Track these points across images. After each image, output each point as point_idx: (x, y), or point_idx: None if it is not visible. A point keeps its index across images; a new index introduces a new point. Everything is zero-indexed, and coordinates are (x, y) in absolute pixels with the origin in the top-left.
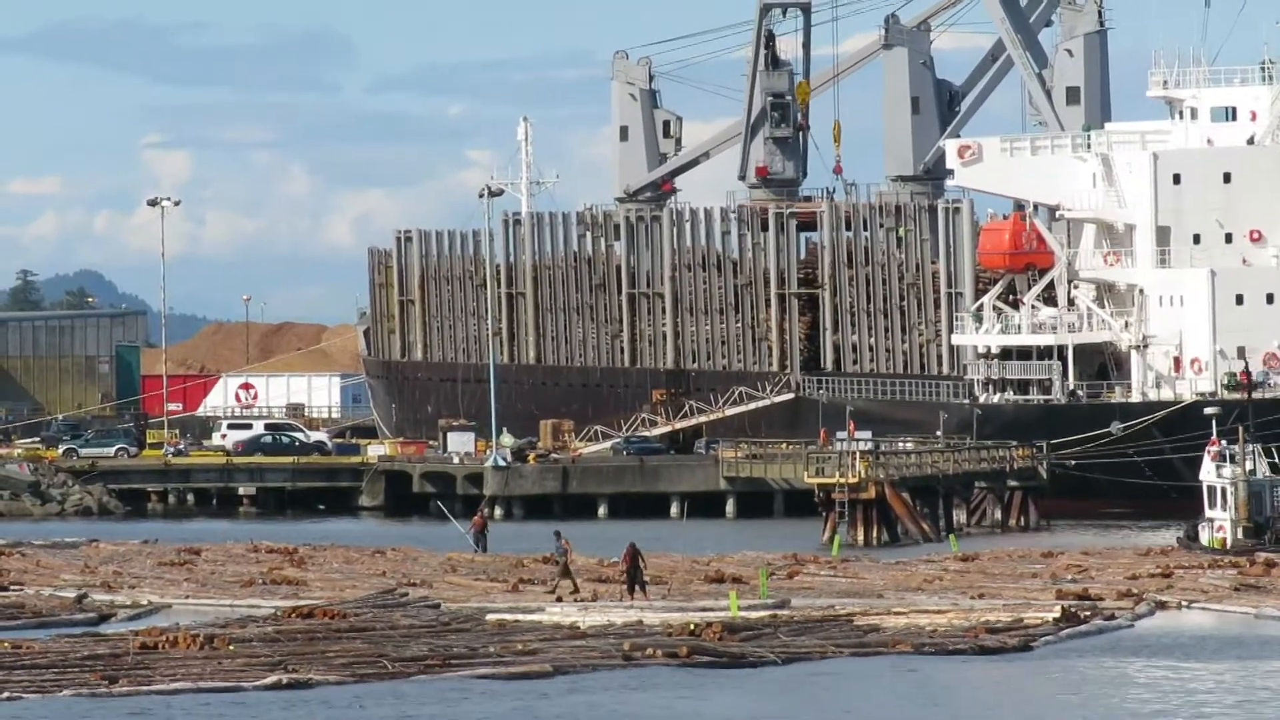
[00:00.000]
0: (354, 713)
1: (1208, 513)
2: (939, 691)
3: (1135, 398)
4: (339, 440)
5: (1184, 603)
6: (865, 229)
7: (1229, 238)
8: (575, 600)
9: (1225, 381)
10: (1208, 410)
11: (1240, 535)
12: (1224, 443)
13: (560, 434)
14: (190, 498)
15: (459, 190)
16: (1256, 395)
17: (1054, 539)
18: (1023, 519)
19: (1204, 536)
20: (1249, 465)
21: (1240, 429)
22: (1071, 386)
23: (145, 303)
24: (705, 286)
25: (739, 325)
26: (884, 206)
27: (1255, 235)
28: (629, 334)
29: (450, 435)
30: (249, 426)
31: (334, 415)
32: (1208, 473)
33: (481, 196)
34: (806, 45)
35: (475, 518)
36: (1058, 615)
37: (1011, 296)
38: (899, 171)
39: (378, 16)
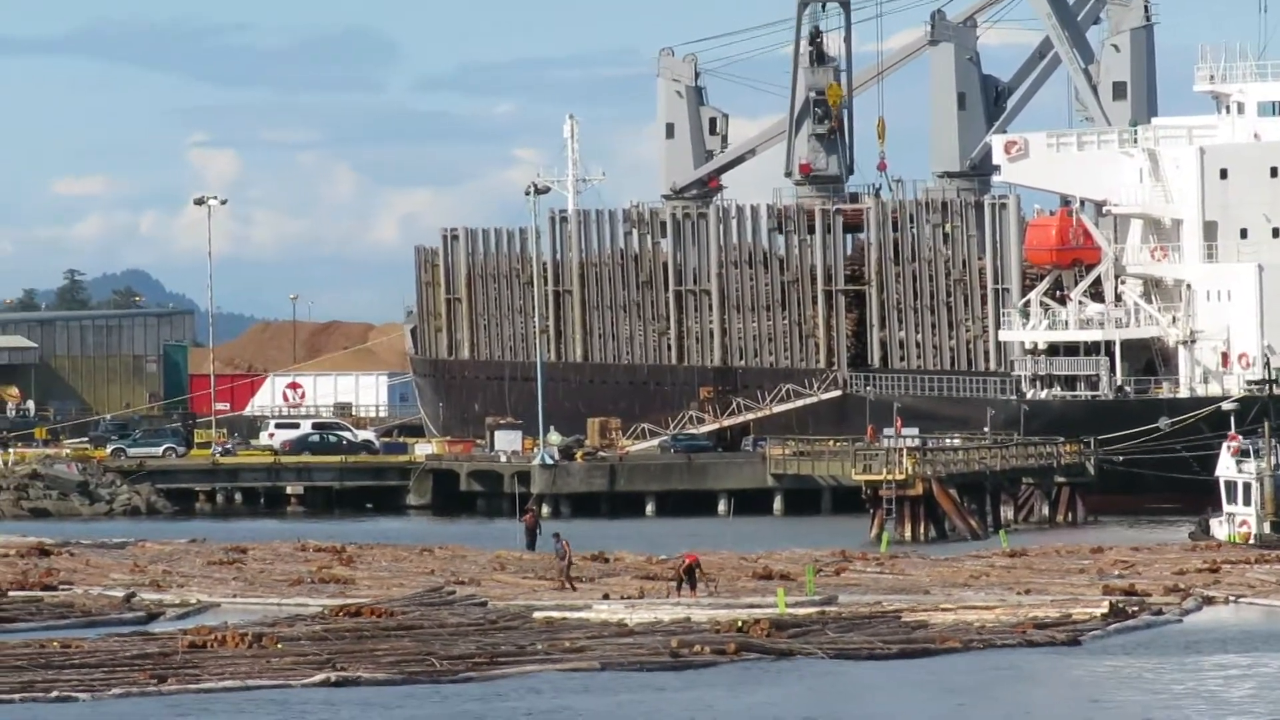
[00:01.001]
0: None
1: (1225, 508)
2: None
3: (1183, 393)
4: (386, 439)
5: (1231, 597)
6: (912, 225)
7: (1276, 232)
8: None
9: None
10: (1226, 406)
11: (1268, 530)
12: (1244, 438)
13: (607, 432)
14: (238, 497)
15: (505, 189)
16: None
17: (1102, 534)
18: (1070, 515)
19: (1222, 531)
20: (1272, 460)
21: (1265, 424)
22: (1119, 382)
23: (192, 302)
24: (752, 283)
25: (786, 322)
26: (930, 203)
27: None
28: (676, 331)
29: (497, 433)
30: (296, 426)
31: (381, 414)
32: (1226, 468)
33: (528, 194)
34: (848, 41)
35: (526, 516)
36: (1105, 611)
37: (1058, 292)
38: (945, 168)
39: (421, 16)
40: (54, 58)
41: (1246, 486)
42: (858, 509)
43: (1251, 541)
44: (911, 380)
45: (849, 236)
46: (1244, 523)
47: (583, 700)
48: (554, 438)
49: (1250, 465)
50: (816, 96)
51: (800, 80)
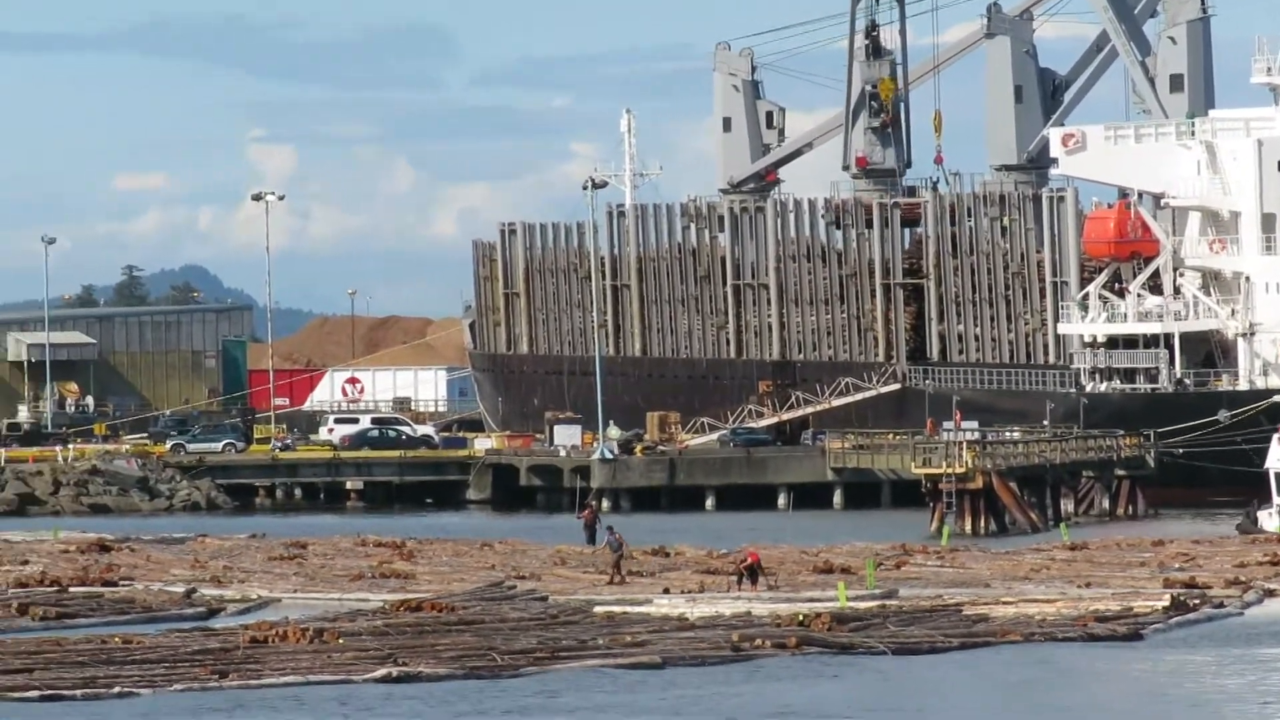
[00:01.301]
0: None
1: (1277, 500)
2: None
3: (1242, 385)
4: (445, 434)
5: None
6: (969, 219)
7: None
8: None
9: None
10: (1277, 398)
11: None
12: None
13: (667, 426)
14: (297, 492)
15: (563, 183)
16: None
17: (1162, 528)
18: (1130, 508)
19: (1271, 523)
20: None
21: None
22: (1178, 374)
23: (251, 297)
24: (810, 277)
25: (844, 316)
26: (988, 196)
27: None
28: (734, 325)
29: (557, 428)
30: (355, 421)
31: (440, 409)
32: (1277, 460)
33: (585, 189)
34: (903, 33)
35: (585, 511)
36: (1167, 603)
37: (1117, 285)
38: (1002, 161)
39: (479, 11)
40: (115, 54)
41: None
42: (917, 503)
43: None
44: (970, 373)
45: (906, 230)
46: None
47: (643, 697)
48: (613, 432)
49: None
50: (872, 90)
51: (856, 74)
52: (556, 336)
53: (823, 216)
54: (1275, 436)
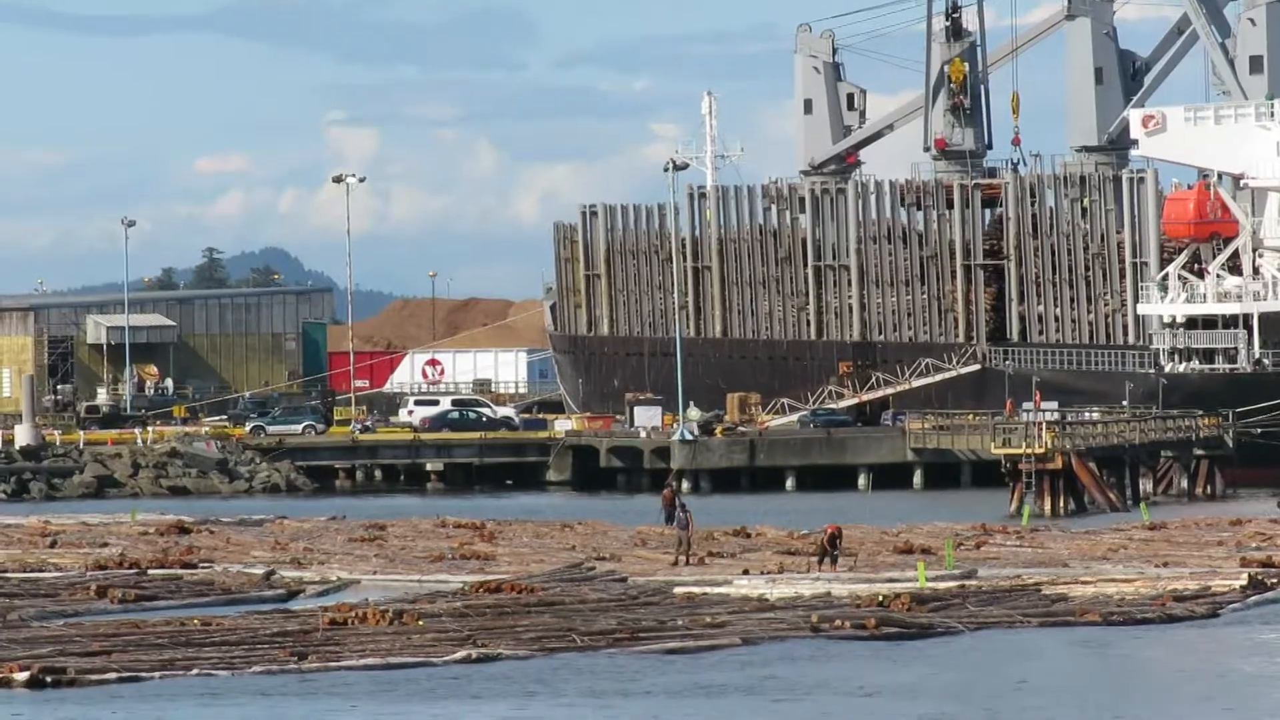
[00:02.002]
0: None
1: None
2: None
3: None
4: (526, 415)
5: None
6: (1050, 200)
7: None
8: (674, 567)
9: None
10: None
11: None
12: None
13: (747, 407)
14: (377, 474)
15: (644, 165)
16: None
17: (1241, 507)
18: (1209, 488)
19: None
20: None
21: None
22: (1257, 355)
23: (331, 279)
24: (890, 258)
25: (924, 297)
26: (1068, 177)
27: None
28: (815, 306)
29: (637, 409)
30: (436, 403)
31: (521, 390)
32: None
33: (666, 170)
34: (981, 15)
35: (665, 491)
36: (1245, 582)
37: (1196, 265)
38: (1082, 142)
39: None
40: (196, 36)
41: None
42: (997, 483)
43: None
44: (1050, 354)
45: (986, 211)
46: None
47: (731, 675)
48: (693, 413)
49: None
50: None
51: (935, 55)
52: (637, 318)
53: (905, 200)
54: None
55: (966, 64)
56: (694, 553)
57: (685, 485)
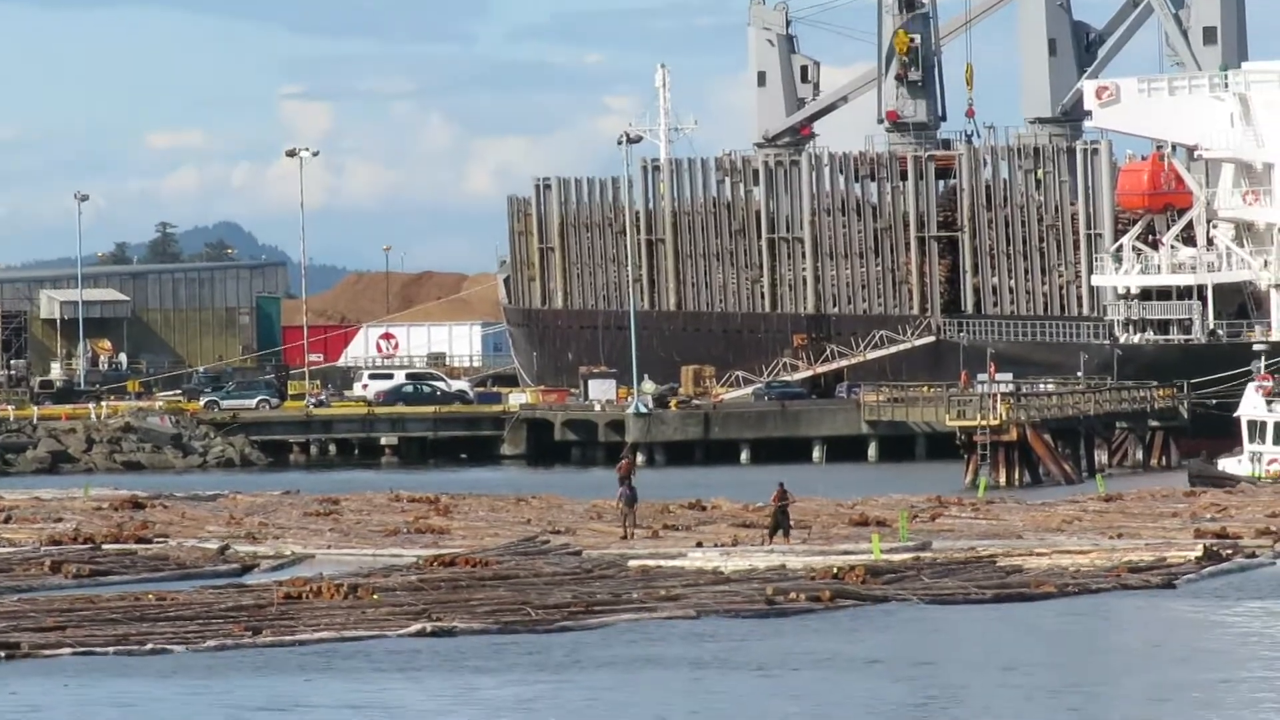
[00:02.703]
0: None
1: (1249, 447)
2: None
3: (1276, 336)
4: (480, 389)
5: None
6: (1004, 172)
7: None
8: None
9: None
10: (1257, 347)
11: None
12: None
13: (701, 380)
14: (332, 449)
15: (598, 138)
16: None
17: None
18: (1164, 459)
19: (1242, 469)
20: None
21: None
22: (1211, 326)
23: (285, 254)
24: (845, 231)
25: (879, 269)
26: (1022, 149)
27: None
28: (769, 279)
29: (591, 382)
30: (390, 376)
31: (475, 364)
32: (1254, 408)
33: (620, 144)
34: None
35: (622, 462)
36: (1200, 554)
37: (1151, 237)
38: (1036, 114)
39: None
40: (150, 10)
41: (1279, 426)
42: (952, 455)
43: None
44: (1005, 326)
45: (941, 182)
46: (1274, 460)
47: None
48: (648, 386)
49: None
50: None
51: (887, 27)
52: (591, 291)
53: (859, 172)
54: (1257, 385)
55: (913, 35)
56: (632, 527)
57: (640, 458)
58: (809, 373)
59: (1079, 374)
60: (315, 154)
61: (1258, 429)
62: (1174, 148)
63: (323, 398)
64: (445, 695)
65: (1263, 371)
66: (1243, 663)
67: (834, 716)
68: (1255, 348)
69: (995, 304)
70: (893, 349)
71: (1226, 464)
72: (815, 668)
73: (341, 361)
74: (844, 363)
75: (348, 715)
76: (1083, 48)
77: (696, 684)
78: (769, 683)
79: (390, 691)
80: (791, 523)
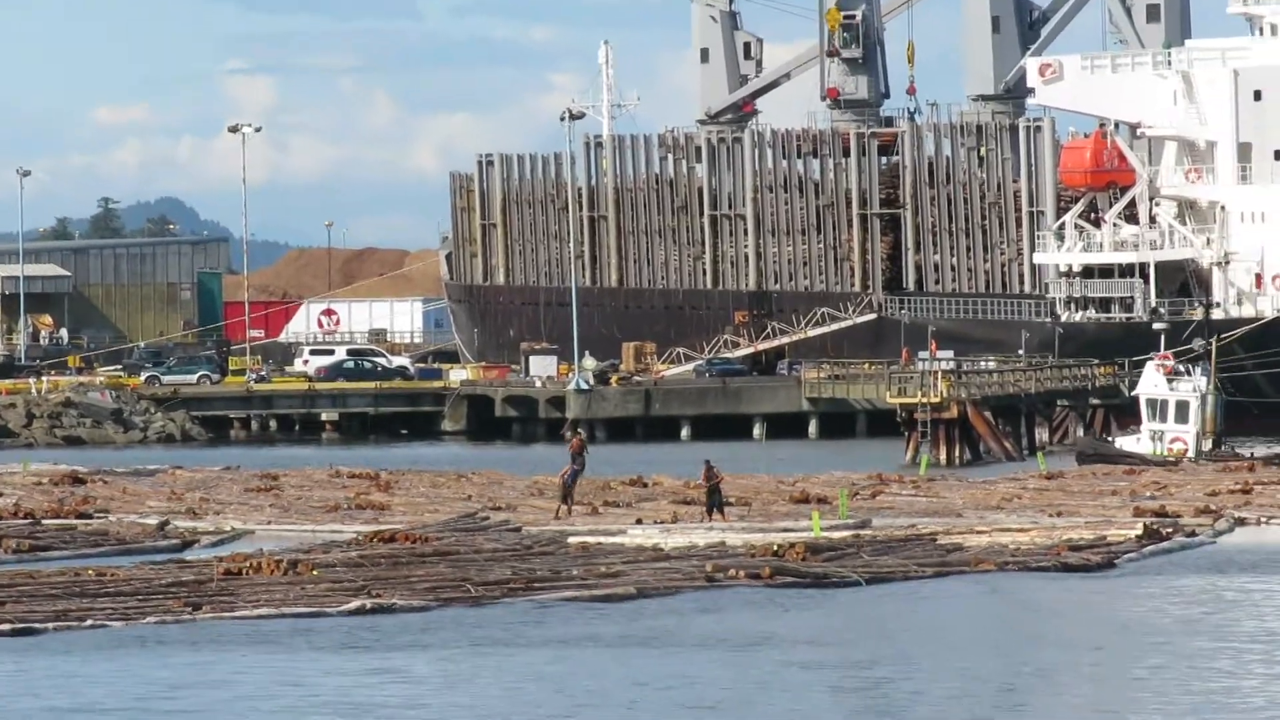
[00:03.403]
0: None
1: (1149, 425)
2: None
3: (1217, 314)
4: (421, 365)
5: (1264, 518)
6: (946, 149)
7: None
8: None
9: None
10: (1156, 326)
11: (1209, 447)
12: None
13: (643, 356)
14: (273, 424)
15: (541, 115)
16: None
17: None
18: (1105, 437)
19: (1140, 448)
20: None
21: (1212, 344)
22: (1153, 304)
23: (227, 229)
24: (787, 208)
25: (821, 246)
26: (965, 126)
27: None
28: (711, 256)
29: (532, 359)
30: (331, 352)
31: (416, 340)
32: (1155, 386)
33: (563, 120)
34: None
35: (573, 439)
36: (1140, 532)
37: (1093, 214)
38: (980, 91)
39: None
40: None
41: (1181, 404)
42: (893, 432)
43: (1190, 458)
44: (946, 303)
45: (884, 159)
46: (1177, 439)
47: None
48: (589, 363)
49: (1188, 384)
50: (845, 21)
51: (828, 4)
52: (533, 267)
53: (801, 149)
54: (1157, 364)
55: (850, 12)
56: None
57: (581, 435)
58: (750, 350)
59: (1020, 352)
60: (258, 130)
61: (1157, 408)
62: (1117, 125)
63: (263, 373)
64: (380, 671)
65: (1204, 347)
66: (1186, 641)
67: (773, 693)
68: (1155, 327)
69: (937, 281)
70: (834, 326)
71: (1125, 442)
72: (755, 645)
73: (283, 337)
74: (785, 340)
75: (279, 690)
76: (1026, 25)
77: (634, 661)
78: (708, 659)
79: (325, 666)
80: (731, 500)
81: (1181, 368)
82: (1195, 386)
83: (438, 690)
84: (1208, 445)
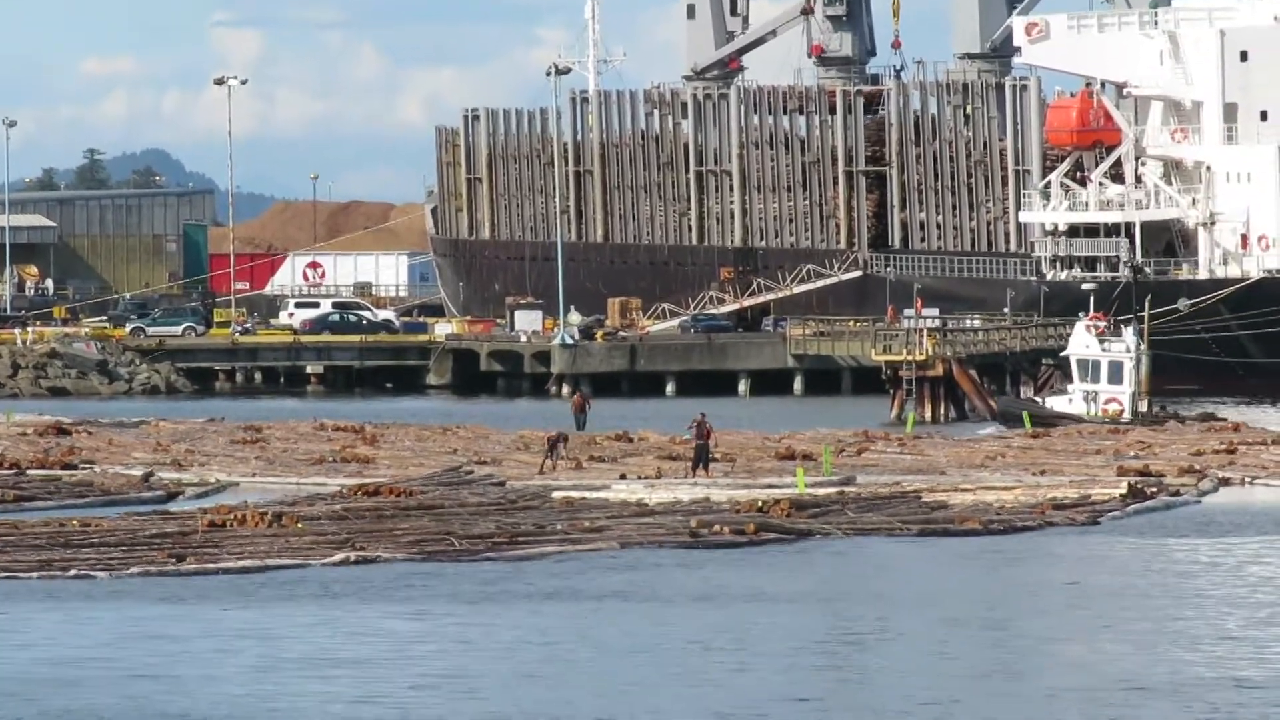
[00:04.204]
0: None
1: (1080, 386)
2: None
3: (1202, 274)
4: (406, 319)
5: (1248, 479)
6: (933, 107)
7: None
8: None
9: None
10: (1085, 286)
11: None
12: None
13: (628, 312)
14: (257, 376)
15: (528, 69)
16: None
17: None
18: (1035, 398)
19: (1073, 408)
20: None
21: (1144, 305)
22: (1138, 263)
23: (212, 182)
24: (773, 164)
25: (806, 203)
26: (951, 84)
27: None
28: (696, 212)
29: (518, 313)
30: (316, 305)
31: (401, 294)
32: (1086, 346)
33: (549, 75)
34: None
35: (575, 397)
36: (1124, 491)
37: (1079, 174)
38: (966, 49)
39: None
40: None
41: (1114, 365)
42: (878, 389)
43: (1126, 419)
44: (932, 261)
45: (869, 116)
46: (1112, 400)
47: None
48: (574, 318)
49: (1121, 344)
50: None
51: None
52: (519, 222)
53: (789, 105)
54: (1088, 324)
55: None
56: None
57: (565, 390)
58: (735, 306)
59: (1005, 310)
60: (244, 82)
61: (1089, 368)
62: (1103, 85)
63: (248, 326)
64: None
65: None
66: (1168, 599)
67: (757, 648)
68: (1084, 287)
69: (923, 239)
70: (819, 283)
71: (1056, 403)
72: (740, 601)
73: (268, 290)
74: (770, 296)
75: (251, 645)
76: None
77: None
78: (696, 614)
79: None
80: (717, 456)
81: (1110, 327)
82: (1128, 346)
83: (412, 644)
84: (1143, 406)
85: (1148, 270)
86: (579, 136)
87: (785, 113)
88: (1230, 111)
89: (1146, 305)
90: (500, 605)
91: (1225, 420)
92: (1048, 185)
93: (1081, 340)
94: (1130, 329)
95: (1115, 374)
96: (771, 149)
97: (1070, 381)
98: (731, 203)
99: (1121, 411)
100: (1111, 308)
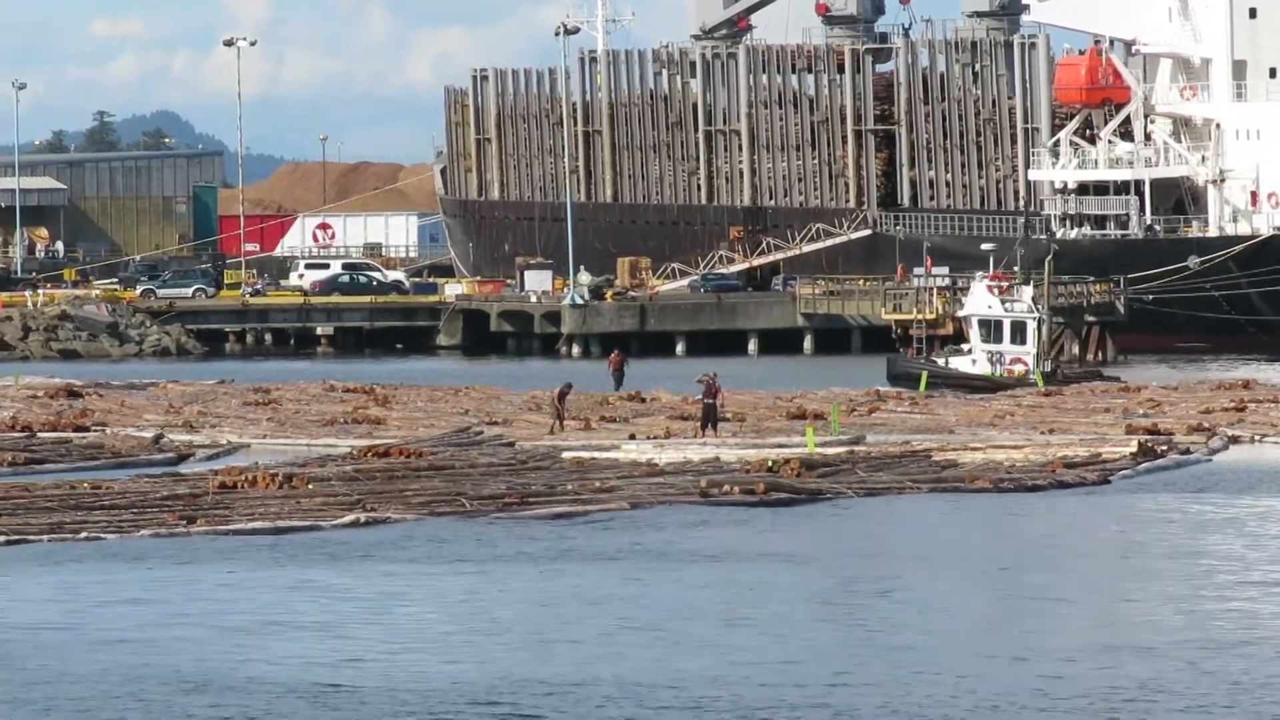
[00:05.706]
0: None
1: (981, 346)
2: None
3: (1212, 232)
4: (416, 280)
5: (1257, 436)
6: (941, 65)
7: None
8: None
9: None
10: (985, 246)
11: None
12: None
13: (638, 271)
14: (268, 338)
15: (536, 29)
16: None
17: (1131, 374)
18: (1100, 354)
19: (975, 369)
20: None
21: (1047, 262)
22: (1148, 221)
23: (222, 143)
24: (782, 123)
25: (815, 162)
26: (960, 42)
27: None
28: (706, 171)
29: (527, 274)
30: (326, 266)
31: (411, 255)
32: (988, 306)
33: (558, 35)
34: None
35: (613, 355)
36: (1135, 450)
37: (1088, 131)
38: (975, 7)
39: None
40: None
41: (1017, 325)
42: (887, 348)
43: (1031, 379)
44: (941, 219)
45: (876, 66)
46: (1017, 360)
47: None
48: (584, 278)
49: (1024, 304)
50: None
51: None
52: (528, 182)
53: (798, 64)
54: (988, 285)
55: None
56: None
57: (576, 350)
58: (745, 265)
59: (1015, 268)
60: (253, 44)
61: (991, 328)
62: (1112, 42)
63: (259, 287)
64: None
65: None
66: (1181, 556)
67: (767, 607)
68: (984, 247)
69: (932, 198)
70: (829, 242)
71: (959, 363)
72: (751, 560)
73: (278, 251)
74: (780, 255)
75: (263, 604)
76: None
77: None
78: (705, 574)
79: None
80: (727, 415)
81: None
82: (1028, 306)
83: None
84: (1047, 366)
85: (1157, 229)
86: (588, 96)
87: (794, 72)
88: (1239, 69)
89: (1048, 265)
90: (520, 564)
91: (1119, 379)
92: (1057, 143)
93: (982, 300)
94: (1029, 288)
95: (1018, 334)
96: (780, 108)
97: (968, 342)
98: (740, 162)
99: (1026, 372)
100: (1011, 267)
